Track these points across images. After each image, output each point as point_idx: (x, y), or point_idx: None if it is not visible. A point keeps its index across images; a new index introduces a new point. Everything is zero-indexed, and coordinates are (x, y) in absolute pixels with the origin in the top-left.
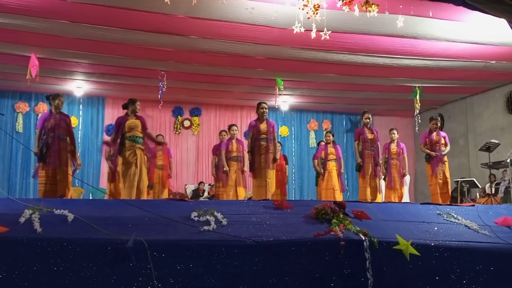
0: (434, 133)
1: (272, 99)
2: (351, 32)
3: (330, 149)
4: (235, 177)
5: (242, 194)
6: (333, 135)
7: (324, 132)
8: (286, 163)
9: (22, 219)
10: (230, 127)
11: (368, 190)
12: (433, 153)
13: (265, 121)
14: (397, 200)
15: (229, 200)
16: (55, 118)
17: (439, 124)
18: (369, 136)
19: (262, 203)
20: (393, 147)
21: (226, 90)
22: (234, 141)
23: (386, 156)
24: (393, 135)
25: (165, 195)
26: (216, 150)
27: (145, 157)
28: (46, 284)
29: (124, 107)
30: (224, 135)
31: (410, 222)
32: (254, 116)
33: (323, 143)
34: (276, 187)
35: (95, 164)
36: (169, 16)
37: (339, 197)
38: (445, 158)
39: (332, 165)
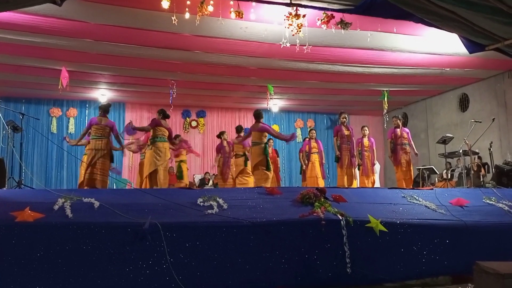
0: (399, 129)
1: (265, 102)
2: (328, 46)
3: (313, 143)
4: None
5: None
6: (315, 132)
7: (308, 129)
8: (278, 156)
9: (56, 207)
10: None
11: (345, 177)
12: (390, 156)
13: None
14: (370, 185)
15: (229, 188)
16: None
17: (399, 122)
18: (346, 132)
19: (257, 190)
20: (365, 141)
21: (226, 95)
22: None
23: (360, 149)
24: (364, 131)
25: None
26: (219, 150)
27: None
28: (77, 260)
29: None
30: (225, 135)
31: (380, 204)
32: (250, 117)
33: (307, 139)
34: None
35: (118, 159)
36: (176, 34)
37: (321, 183)
38: (408, 150)
39: (315, 157)
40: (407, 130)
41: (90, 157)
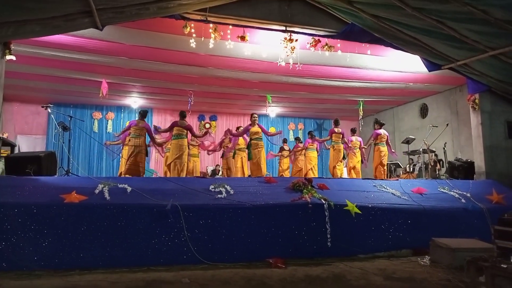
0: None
1: (264, 109)
2: (316, 64)
3: (311, 144)
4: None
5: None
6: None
7: (299, 131)
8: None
9: (96, 191)
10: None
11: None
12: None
13: (256, 125)
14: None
15: (235, 177)
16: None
17: (381, 127)
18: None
19: (257, 179)
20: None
21: (233, 103)
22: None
23: None
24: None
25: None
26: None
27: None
28: (113, 233)
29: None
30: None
31: (355, 191)
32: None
33: (298, 140)
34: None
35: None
36: (194, 54)
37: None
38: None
39: (312, 153)
40: (387, 133)
41: (130, 152)
